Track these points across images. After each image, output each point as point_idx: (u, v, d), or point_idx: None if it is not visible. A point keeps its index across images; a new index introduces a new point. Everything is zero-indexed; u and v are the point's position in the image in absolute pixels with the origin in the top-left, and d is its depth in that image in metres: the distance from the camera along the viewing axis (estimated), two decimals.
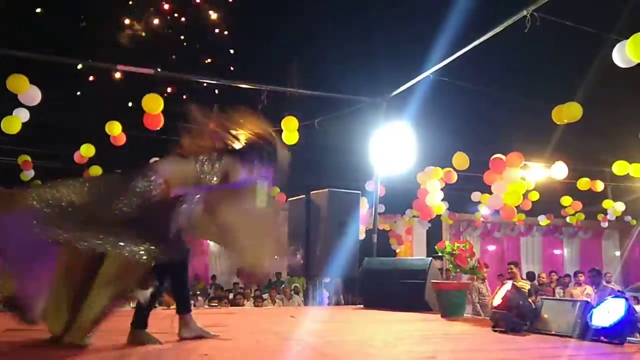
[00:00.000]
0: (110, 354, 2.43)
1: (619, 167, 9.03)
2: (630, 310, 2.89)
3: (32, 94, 6.10)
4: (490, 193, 8.79)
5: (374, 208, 7.46)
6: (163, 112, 6.61)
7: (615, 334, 2.88)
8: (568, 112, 6.03)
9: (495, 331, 3.38)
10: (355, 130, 7.96)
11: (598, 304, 3.07)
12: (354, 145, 8.08)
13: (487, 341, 3.14)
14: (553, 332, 3.21)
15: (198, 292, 10.00)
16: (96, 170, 9.29)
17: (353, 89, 7.49)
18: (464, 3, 6.01)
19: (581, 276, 9.21)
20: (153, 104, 6.54)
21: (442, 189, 8.82)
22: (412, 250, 13.69)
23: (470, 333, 3.52)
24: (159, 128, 6.78)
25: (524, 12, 4.89)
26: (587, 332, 2.99)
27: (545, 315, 3.33)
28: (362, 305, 5.45)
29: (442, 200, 9.16)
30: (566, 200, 11.71)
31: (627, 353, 2.75)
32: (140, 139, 7.93)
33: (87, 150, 8.25)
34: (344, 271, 5.75)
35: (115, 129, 7.42)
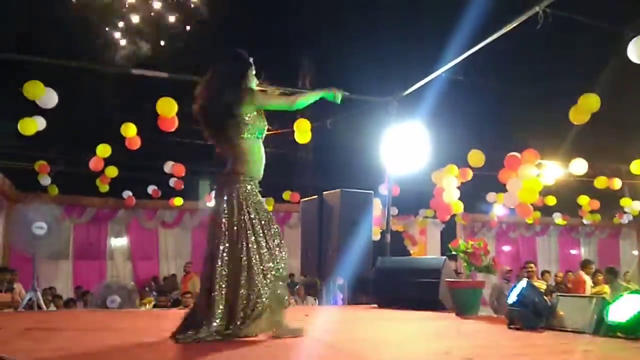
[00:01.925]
0: (125, 354, 2.46)
1: (638, 166, 8.86)
2: None
3: (48, 97, 6.15)
4: (506, 193, 8.69)
5: (387, 208, 7.44)
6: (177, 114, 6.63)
7: (631, 329, 2.85)
8: (586, 104, 5.96)
9: (510, 328, 3.36)
10: (367, 130, 7.96)
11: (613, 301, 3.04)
12: (367, 145, 8.07)
13: (503, 338, 3.12)
14: (569, 329, 3.18)
15: None
16: (112, 171, 9.30)
17: (364, 89, 7.49)
18: (476, 1, 5.99)
19: (599, 276, 9.05)
20: (167, 108, 6.55)
21: (457, 188, 8.75)
22: (426, 251, 13.62)
23: (485, 330, 3.51)
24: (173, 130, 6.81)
25: (537, 9, 4.87)
26: (603, 328, 2.97)
27: (561, 312, 3.30)
28: (375, 305, 5.44)
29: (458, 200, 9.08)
30: (583, 199, 11.55)
31: None
32: (154, 141, 7.97)
33: (103, 151, 8.23)
34: (357, 271, 5.75)
35: (130, 131, 7.45)
